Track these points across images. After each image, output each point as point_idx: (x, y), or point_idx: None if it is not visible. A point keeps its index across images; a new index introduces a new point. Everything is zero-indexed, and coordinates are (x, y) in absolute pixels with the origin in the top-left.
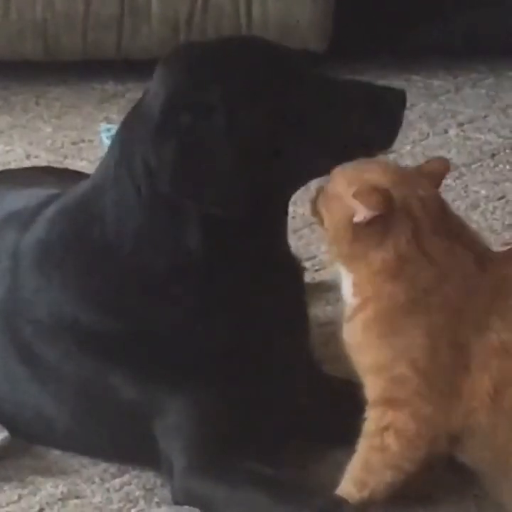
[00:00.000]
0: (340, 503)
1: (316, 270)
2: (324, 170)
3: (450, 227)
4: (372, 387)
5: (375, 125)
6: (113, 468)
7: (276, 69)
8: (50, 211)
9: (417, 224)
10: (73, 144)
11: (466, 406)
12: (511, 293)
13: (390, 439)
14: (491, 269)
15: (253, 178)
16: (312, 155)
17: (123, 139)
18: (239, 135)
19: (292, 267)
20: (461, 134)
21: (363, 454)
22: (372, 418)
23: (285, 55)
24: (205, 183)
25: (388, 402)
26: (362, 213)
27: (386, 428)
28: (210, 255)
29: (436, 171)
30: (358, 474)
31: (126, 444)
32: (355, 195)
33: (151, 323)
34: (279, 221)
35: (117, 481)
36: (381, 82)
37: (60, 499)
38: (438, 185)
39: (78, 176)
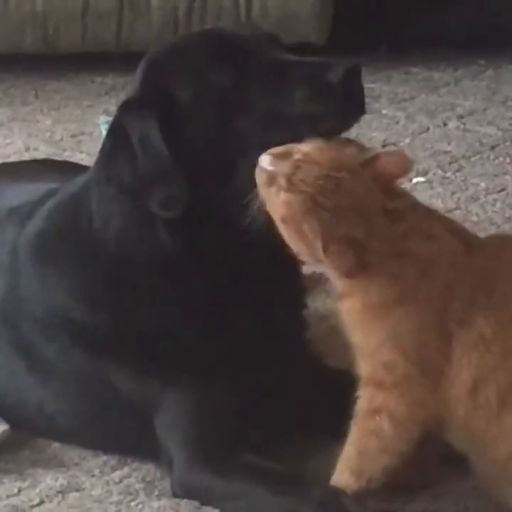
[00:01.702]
0: (339, 494)
1: None
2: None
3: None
4: (363, 367)
5: (318, 104)
6: (113, 461)
7: (220, 64)
8: (47, 207)
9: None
10: (72, 136)
11: (445, 393)
12: (495, 287)
13: (384, 423)
14: (478, 257)
15: (196, 174)
16: (257, 144)
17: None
18: (173, 135)
19: (290, 259)
20: (461, 126)
21: (358, 440)
22: (364, 397)
23: (233, 48)
24: (144, 188)
25: (378, 384)
26: (337, 272)
27: (378, 410)
28: (185, 250)
29: (389, 173)
30: (355, 463)
31: (125, 437)
32: (327, 254)
33: (141, 318)
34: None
35: (117, 474)
36: (381, 74)
37: (59, 492)
38: (388, 186)
39: (78, 168)
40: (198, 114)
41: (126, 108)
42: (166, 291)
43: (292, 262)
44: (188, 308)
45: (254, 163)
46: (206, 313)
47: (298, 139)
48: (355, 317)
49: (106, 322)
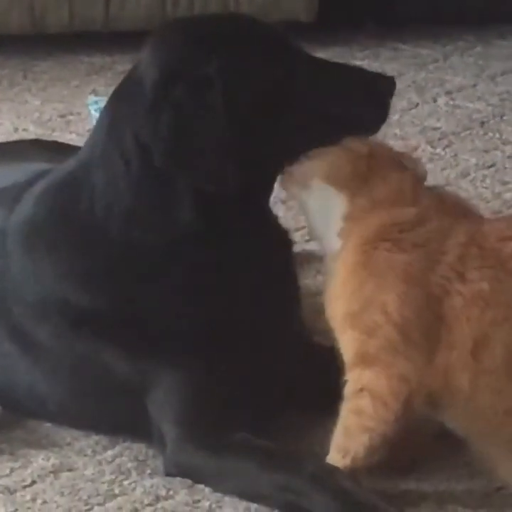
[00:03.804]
0: (332, 470)
1: (306, 241)
2: (315, 148)
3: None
4: (348, 344)
5: (365, 109)
6: (105, 441)
7: (273, 47)
8: (38, 188)
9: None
10: (61, 116)
11: (444, 365)
12: (487, 243)
13: (365, 401)
14: (468, 219)
15: (246, 154)
16: (304, 133)
17: (111, 114)
18: (235, 111)
19: (281, 237)
20: (450, 102)
21: (343, 419)
22: (350, 380)
23: (279, 34)
24: (199, 158)
25: (363, 360)
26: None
27: (361, 390)
28: (200, 231)
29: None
30: (340, 440)
31: (118, 418)
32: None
33: (141, 300)
34: (266, 195)
35: (109, 453)
36: (369, 51)
37: (51, 472)
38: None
39: (68, 148)
40: (249, 96)
41: (176, 79)
42: (172, 273)
43: (284, 241)
44: (191, 289)
45: (291, 153)
46: (207, 294)
47: (337, 138)
48: (346, 275)
49: (104, 304)
